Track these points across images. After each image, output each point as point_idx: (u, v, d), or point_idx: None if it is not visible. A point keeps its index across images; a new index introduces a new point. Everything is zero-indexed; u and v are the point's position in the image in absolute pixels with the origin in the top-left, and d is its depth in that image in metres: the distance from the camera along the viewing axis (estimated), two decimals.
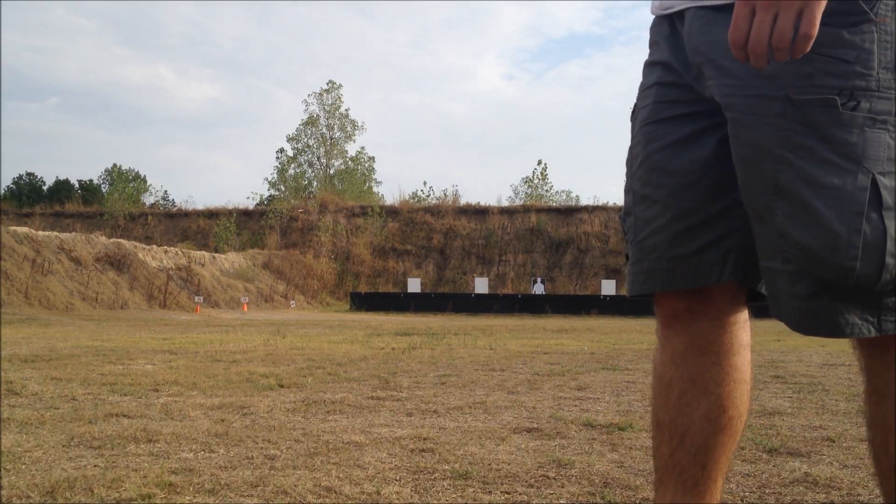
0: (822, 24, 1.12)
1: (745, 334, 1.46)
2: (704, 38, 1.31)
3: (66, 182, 55.62)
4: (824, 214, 1.17)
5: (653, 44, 1.50)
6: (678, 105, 1.40)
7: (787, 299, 1.25)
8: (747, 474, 2.74)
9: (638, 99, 1.50)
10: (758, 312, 1.51)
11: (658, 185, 1.39)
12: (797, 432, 3.50)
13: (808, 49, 1.12)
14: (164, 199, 53.18)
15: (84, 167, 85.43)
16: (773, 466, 2.86)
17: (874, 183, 1.16)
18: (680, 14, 1.39)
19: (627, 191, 1.48)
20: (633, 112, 1.51)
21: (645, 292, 1.45)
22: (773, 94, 1.21)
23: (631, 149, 1.48)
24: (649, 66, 1.49)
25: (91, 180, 56.22)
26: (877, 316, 1.20)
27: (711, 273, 1.38)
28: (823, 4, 1.11)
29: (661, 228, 1.39)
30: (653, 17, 1.52)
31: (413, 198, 44.32)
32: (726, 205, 1.36)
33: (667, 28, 1.44)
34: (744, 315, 1.45)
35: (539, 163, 48.98)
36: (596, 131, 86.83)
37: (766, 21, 1.11)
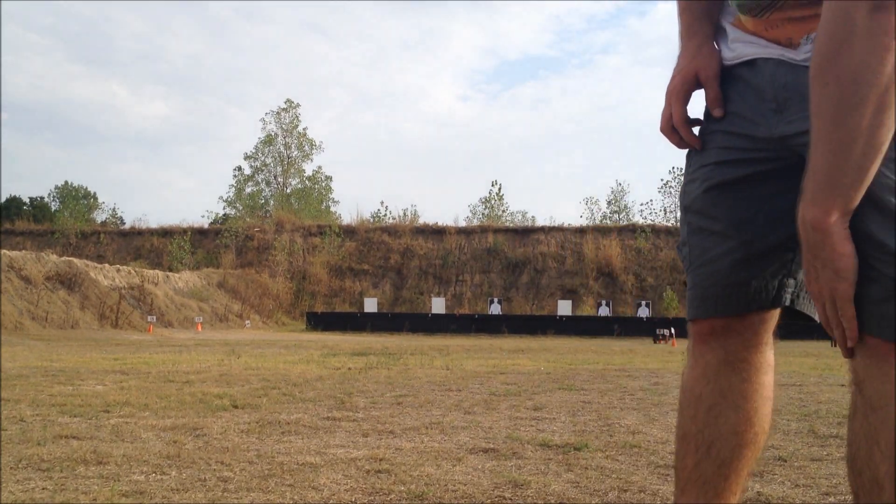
0: None
1: (772, 355, 1.55)
2: (793, 78, 1.37)
3: (18, 199, 54.53)
4: None
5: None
6: (738, 151, 1.47)
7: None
8: None
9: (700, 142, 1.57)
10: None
11: (716, 217, 1.48)
12: None
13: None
14: (112, 215, 52.32)
15: (33, 184, 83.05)
16: None
17: None
18: (738, 64, 1.47)
19: (683, 223, 1.58)
20: (689, 153, 1.59)
21: (701, 316, 1.53)
22: None
23: (685, 185, 1.58)
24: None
25: (42, 197, 55.24)
26: None
27: (766, 300, 1.47)
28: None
29: (719, 257, 1.48)
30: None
31: (374, 217, 44.21)
32: (782, 237, 1.44)
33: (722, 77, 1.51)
34: (771, 337, 1.54)
35: (494, 183, 48.32)
36: (551, 152, 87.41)
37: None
